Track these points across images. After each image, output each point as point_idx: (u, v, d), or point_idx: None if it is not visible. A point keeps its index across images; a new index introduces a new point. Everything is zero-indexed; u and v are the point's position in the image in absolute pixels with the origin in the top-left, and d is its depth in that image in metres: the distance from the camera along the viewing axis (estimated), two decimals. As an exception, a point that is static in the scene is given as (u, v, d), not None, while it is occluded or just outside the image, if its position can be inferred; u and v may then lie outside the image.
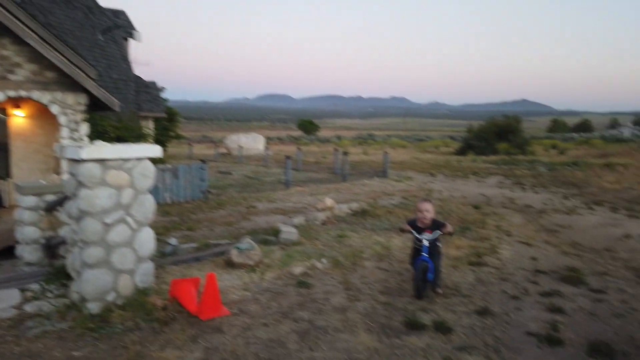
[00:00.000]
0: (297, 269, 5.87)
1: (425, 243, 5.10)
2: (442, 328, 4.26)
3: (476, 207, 11.16)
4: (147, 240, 4.77)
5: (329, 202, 9.78)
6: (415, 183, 16.27)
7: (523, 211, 10.91)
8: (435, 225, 5.24)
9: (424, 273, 4.99)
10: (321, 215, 9.18)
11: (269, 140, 51.97)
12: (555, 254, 7.07)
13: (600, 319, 4.60)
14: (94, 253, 4.40)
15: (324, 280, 5.61)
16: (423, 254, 5.04)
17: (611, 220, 9.79)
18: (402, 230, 5.51)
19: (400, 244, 7.21)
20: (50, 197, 5.89)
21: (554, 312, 4.72)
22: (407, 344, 3.98)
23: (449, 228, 5.24)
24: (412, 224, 5.33)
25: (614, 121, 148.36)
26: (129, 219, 4.61)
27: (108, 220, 4.45)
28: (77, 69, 9.75)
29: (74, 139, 10.00)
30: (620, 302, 5.05)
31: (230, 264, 5.93)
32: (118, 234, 4.53)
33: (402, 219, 8.43)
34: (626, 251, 7.32)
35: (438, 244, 5.30)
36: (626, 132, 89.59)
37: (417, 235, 5.19)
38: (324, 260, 6.31)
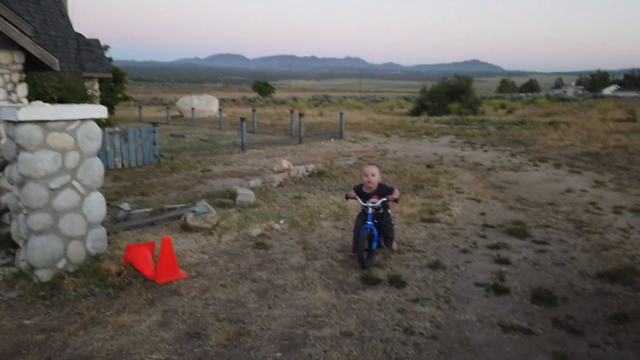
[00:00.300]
0: (255, 231, 5.86)
1: (371, 210, 4.86)
2: (396, 282, 4.41)
3: (429, 166, 11.44)
4: (97, 205, 4.61)
5: (285, 163, 9.74)
6: (371, 144, 16.44)
7: (473, 169, 11.29)
8: (382, 190, 4.98)
9: (369, 242, 4.79)
10: (278, 177, 9.16)
11: (222, 102, 50.64)
12: (502, 209, 7.40)
13: (543, 268, 4.89)
14: (40, 219, 4.21)
15: (282, 241, 5.65)
16: (368, 222, 4.80)
17: (554, 176, 10.32)
18: (348, 197, 5.18)
19: (356, 203, 7.29)
20: (-12, 163, 5.54)
21: (500, 264, 4.97)
22: (364, 298, 4.11)
23: (396, 195, 4.94)
24: (358, 189, 5.10)
25: (559, 81, 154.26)
26: (76, 184, 4.42)
27: (53, 185, 4.25)
28: (10, 24, 8.99)
29: (12, 101, 9.35)
30: (561, 252, 5.38)
31: (187, 228, 5.85)
32: (65, 199, 4.34)
33: (358, 179, 8.54)
34: (567, 204, 7.75)
35: (388, 210, 5.14)
36: (570, 92, 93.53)
37: (363, 203, 4.94)
38: (281, 221, 6.33)
